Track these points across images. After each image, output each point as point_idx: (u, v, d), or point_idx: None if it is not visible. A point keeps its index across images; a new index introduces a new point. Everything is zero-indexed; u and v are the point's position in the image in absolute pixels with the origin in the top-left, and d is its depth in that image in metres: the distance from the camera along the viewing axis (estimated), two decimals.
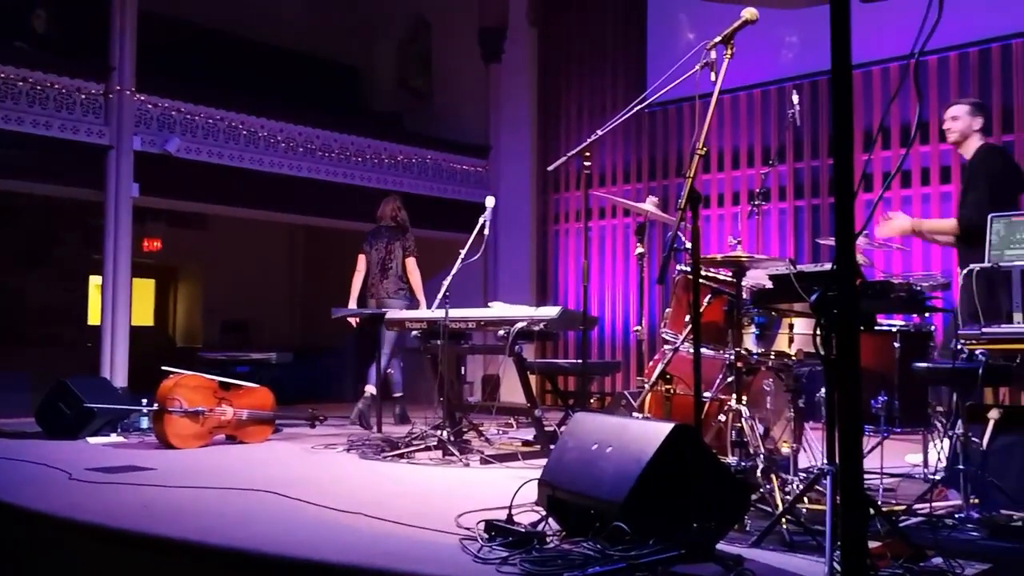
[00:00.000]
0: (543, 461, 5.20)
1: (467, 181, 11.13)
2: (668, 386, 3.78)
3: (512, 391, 6.27)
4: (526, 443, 5.87)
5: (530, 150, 11.38)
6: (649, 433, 3.05)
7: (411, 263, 7.71)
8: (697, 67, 3.51)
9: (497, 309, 5.90)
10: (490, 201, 5.96)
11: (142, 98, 8.54)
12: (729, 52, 3.15)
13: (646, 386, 3.90)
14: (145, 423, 6.43)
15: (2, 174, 8.06)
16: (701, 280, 3.40)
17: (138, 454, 5.55)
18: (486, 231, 5.89)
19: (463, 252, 5.84)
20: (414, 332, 6.20)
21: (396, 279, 7.66)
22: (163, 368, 6.07)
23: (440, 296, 5.76)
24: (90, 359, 10.60)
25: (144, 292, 12.48)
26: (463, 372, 7.03)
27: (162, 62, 9.36)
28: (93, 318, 10.74)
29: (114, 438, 6.26)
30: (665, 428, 3.01)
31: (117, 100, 8.34)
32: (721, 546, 2.94)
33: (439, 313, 5.74)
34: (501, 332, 5.56)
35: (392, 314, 6.57)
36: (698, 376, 3.06)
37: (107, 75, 8.36)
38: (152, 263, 12.05)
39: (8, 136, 7.74)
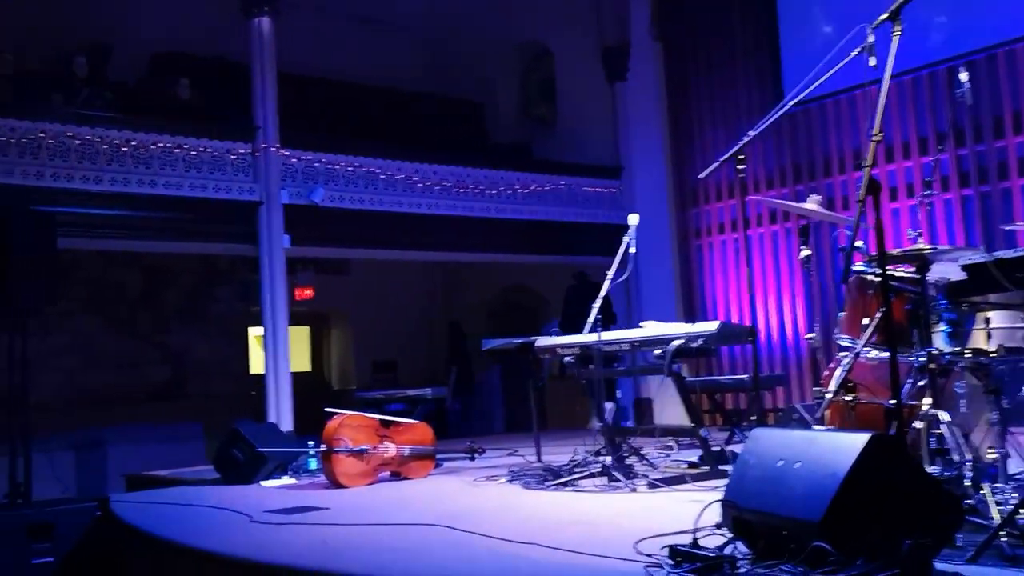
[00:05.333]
0: (713, 483, 5.04)
1: (601, 203, 11.06)
2: (851, 395, 3.55)
3: (667, 412, 6.10)
4: (692, 465, 5.66)
5: (664, 166, 11.21)
6: (843, 445, 2.85)
7: None
8: (854, 52, 3.32)
9: (651, 328, 5.75)
10: (634, 219, 5.83)
11: (286, 153, 8.90)
12: (898, 29, 2.95)
13: (826, 396, 3.67)
14: (313, 464, 6.58)
15: (166, 237, 8.55)
16: (879, 279, 3.18)
17: (310, 494, 5.67)
18: (632, 250, 5.76)
19: (610, 273, 5.74)
20: (567, 358, 6.12)
21: None
22: (326, 410, 6.21)
23: (591, 320, 5.66)
24: (254, 407, 11.06)
25: (300, 339, 12.93)
26: (618, 396, 6.92)
27: (300, 117, 9.74)
28: (254, 368, 11.18)
29: (286, 480, 6.43)
30: (861, 439, 2.80)
31: (264, 157, 8.72)
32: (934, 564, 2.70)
33: (591, 337, 5.64)
34: (657, 352, 5.41)
35: (542, 341, 6.51)
36: (896, 381, 2.84)
37: (253, 135, 8.76)
38: (305, 311, 12.47)
39: (169, 201, 8.21)
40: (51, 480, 7.27)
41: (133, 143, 8.07)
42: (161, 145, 8.22)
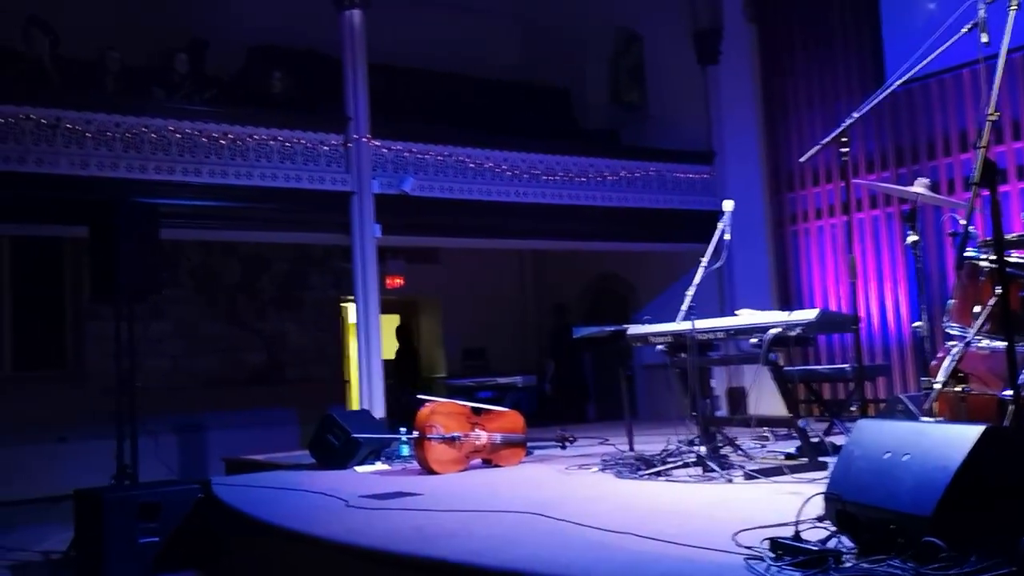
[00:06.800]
0: (812, 475, 4.91)
1: (693, 190, 10.87)
2: (962, 385, 3.40)
3: (763, 402, 5.97)
4: (789, 456, 5.53)
5: (758, 150, 10.96)
6: (954, 437, 2.74)
7: None
8: (965, 29, 3.17)
9: (746, 316, 5.63)
10: (728, 205, 5.71)
11: (377, 143, 9.00)
12: (1015, 4, 2.80)
13: (934, 387, 3.52)
14: (405, 450, 6.67)
15: (262, 226, 8.77)
16: (993, 265, 3.03)
17: (403, 480, 5.74)
18: (727, 236, 5.64)
19: (704, 260, 5.64)
20: (659, 346, 6.03)
21: None
22: (418, 397, 6.28)
23: (684, 308, 5.57)
24: (347, 393, 11.28)
25: (391, 327, 13.10)
26: (711, 385, 6.80)
27: (390, 107, 9.84)
28: (348, 354, 11.40)
29: (379, 466, 6.53)
30: (973, 431, 2.68)
31: (356, 148, 8.84)
32: None
33: (685, 325, 5.55)
34: (754, 340, 5.30)
35: (634, 329, 6.44)
36: (1013, 370, 2.71)
37: (345, 126, 8.89)
38: (395, 299, 12.63)
39: (265, 192, 8.40)
40: (156, 462, 7.54)
41: (230, 136, 8.29)
42: (257, 137, 8.41)
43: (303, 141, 8.67)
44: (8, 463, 8.72)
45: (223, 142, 8.25)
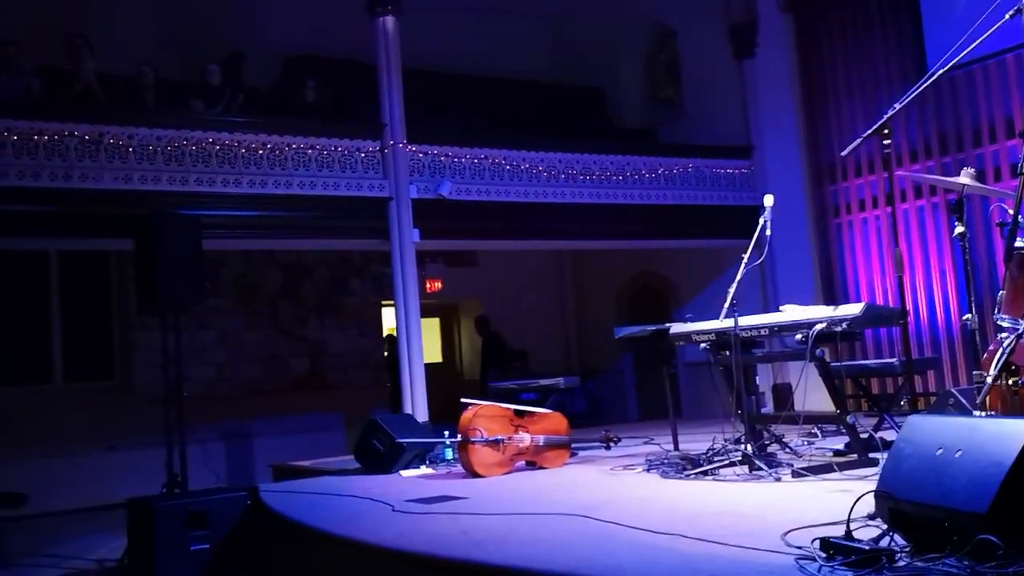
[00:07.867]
0: (862, 472, 4.84)
1: (732, 185, 10.76)
2: (1014, 378, 3.32)
3: (809, 398, 5.88)
4: (838, 453, 5.46)
5: (798, 143, 10.82)
6: (1007, 432, 2.69)
7: None
8: (1008, 15, 3.11)
9: (790, 312, 5.56)
10: (769, 200, 5.65)
11: (413, 148, 9.03)
12: None
13: (986, 380, 3.45)
14: (449, 454, 6.69)
15: (302, 234, 8.84)
16: None
17: (449, 484, 5.76)
18: (768, 231, 5.58)
19: (746, 256, 5.58)
20: (703, 344, 5.99)
21: None
22: (462, 400, 6.30)
23: (727, 305, 5.52)
24: (389, 398, 11.32)
25: (431, 331, 13.15)
26: (756, 382, 6.74)
27: (425, 112, 9.87)
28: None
29: (423, 470, 6.55)
30: None
31: (392, 154, 8.88)
32: None
33: (728, 322, 5.50)
34: (799, 336, 5.23)
35: (676, 328, 6.40)
36: None
37: (380, 132, 8.93)
38: (435, 303, 12.67)
39: (304, 200, 8.48)
40: (204, 470, 7.63)
41: (269, 146, 8.37)
42: (295, 146, 8.48)
43: (340, 148, 8.73)
44: (60, 473, 8.87)
45: (261, 152, 8.33)
